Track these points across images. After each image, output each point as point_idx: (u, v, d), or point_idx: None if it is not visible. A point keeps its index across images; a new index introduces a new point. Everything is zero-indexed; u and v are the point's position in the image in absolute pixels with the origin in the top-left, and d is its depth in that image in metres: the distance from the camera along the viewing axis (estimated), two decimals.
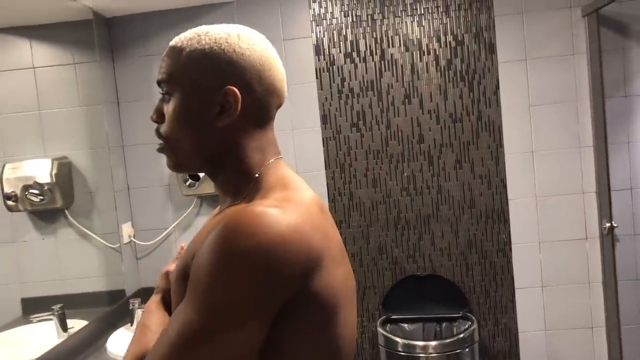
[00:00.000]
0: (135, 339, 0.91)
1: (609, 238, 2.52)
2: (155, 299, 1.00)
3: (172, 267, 1.03)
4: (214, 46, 0.85)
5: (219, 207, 0.99)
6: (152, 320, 0.94)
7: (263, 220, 0.73)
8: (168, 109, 0.87)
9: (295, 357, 0.77)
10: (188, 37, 0.88)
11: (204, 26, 0.89)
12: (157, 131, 0.90)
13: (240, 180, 0.88)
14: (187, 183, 2.61)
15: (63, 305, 2.13)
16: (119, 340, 2.21)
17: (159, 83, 0.89)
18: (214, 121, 0.85)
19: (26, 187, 2.30)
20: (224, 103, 0.84)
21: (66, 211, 2.42)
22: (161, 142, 0.90)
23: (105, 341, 2.20)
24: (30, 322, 2.20)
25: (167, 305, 0.99)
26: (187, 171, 0.94)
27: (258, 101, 0.87)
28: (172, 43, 0.89)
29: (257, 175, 0.87)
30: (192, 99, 0.86)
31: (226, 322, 0.71)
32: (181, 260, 0.84)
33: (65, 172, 2.41)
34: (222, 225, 0.73)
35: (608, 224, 2.50)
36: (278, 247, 0.72)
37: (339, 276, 0.81)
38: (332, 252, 0.81)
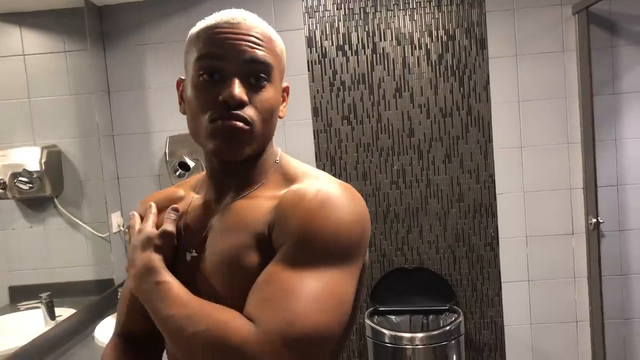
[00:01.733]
0: (169, 296, 0.81)
1: (594, 234, 2.55)
2: (157, 257, 0.88)
3: (169, 227, 0.92)
4: (282, 42, 0.94)
5: (187, 198, 1.00)
6: (171, 277, 0.85)
7: (347, 195, 0.84)
8: (264, 95, 0.86)
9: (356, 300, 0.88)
10: (266, 24, 0.91)
11: (253, 15, 0.91)
12: (240, 114, 0.83)
13: (266, 166, 0.94)
14: (177, 173, 2.60)
15: (51, 294, 2.12)
16: (107, 329, 2.21)
17: (255, 63, 0.84)
18: (279, 113, 0.94)
19: (15, 175, 2.29)
20: (283, 97, 0.95)
21: (55, 200, 2.42)
22: (240, 123, 0.84)
23: (93, 330, 2.20)
24: (18, 310, 2.20)
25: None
26: (249, 155, 0.89)
27: None
28: (263, 28, 0.88)
29: (276, 161, 0.95)
30: (278, 90, 0.91)
31: (338, 263, 0.79)
32: (238, 238, 0.84)
33: (54, 160, 2.40)
34: (314, 201, 0.81)
35: (594, 220, 2.53)
36: (363, 217, 0.85)
37: None
38: None
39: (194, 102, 0.86)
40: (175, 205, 0.98)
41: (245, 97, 0.83)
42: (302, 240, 0.78)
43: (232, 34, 0.84)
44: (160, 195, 1.05)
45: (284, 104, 0.96)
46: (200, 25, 0.89)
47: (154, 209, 0.98)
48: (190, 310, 0.78)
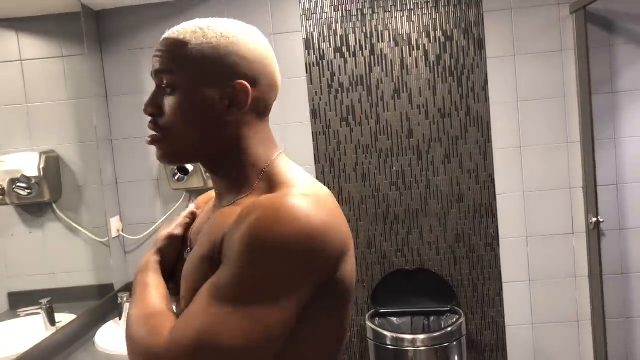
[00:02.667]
0: (139, 297, 0.89)
1: (595, 233, 2.55)
2: (155, 259, 0.98)
3: (176, 230, 1.01)
4: (221, 40, 0.86)
5: (213, 200, 1.01)
6: (153, 280, 0.92)
7: (303, 208, 0.77)
8: (170, 102, 0.86)
9: (315, 335, 0.82)
10: (190, 30, 0.87)
11: (201, 19, 0.90)
12: (154, 123, 0.89)
13: (247, 173, 0.90)
14: (176, 177, 2.60)
15: (51, 299, 2.12)
16: (108, 335, 2.20)
17: (158, 74, 0.88)
18: (223, 115, 0.87)
19: (13, 181, 2.28)
20: (234, 97, 0.86)
21: (54, 205, 2.41)
22: (155, 133, 0.89)
23: (94, 335, 2.20)
24: (18, 316, 2.19)
25: (163, 269, 0.98)
26: (182, 162, 0.95)
27: (262, 95, 0.90)
28: (171, 35, 0.88)
29: (264, 168, 0.90)
30: (200, 92, 0.86)
31: (265, 298, 0.74)
32: (205, 244, 0.85)
33: (53, 165, 2.39)
34: (262, 212, 0.76)
35: (594, 219, 2.53)
36: (318, 234, 0.76)
37: (354, 264, 0.87)
38: (351, 242, 0.86)
39: None
40: (193, 210, 1.06)
41: (149, 109, 0.88)
42: (235, 262, 0.75)
43: (155, 50, 0.90)
44: (208, 195, 1.13)
45: (238, 106, 0.87)
46: None
47: (185, 213, 1.07)
48: (142, 312, 0.84)
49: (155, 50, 0.89)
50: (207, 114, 0.86)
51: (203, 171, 2.58)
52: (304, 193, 0.81)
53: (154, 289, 0.90)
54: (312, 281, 0.77)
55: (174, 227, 1.02)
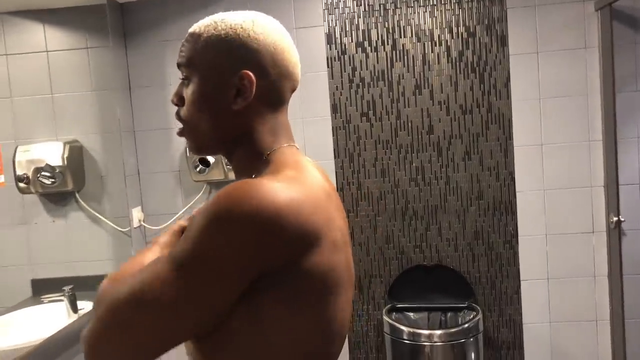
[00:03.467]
0: (142, 250, 0.95)
1: (615, 232, 2.53)
2: (180, 222, 1.02)
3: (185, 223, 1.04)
4: (229, 32, 0.89)
5: None
6: (164, 239, 0.97)
7: (260, 189, 0.75)
8: (187, 92, 0.91)
9: (278, 329, 0.79)
10: (205, 23, 0.91)
11: (220, 13, 0.93)
12: (177, 114, 0.94)
13: (252, 160, 0.92)
14: (198, 169, 2.62)
15: (74, 287, 2.15)
16: None
17: (179, 66, 0.93)
18: (230, 104, 0.89)
19: (38, 170, 2.32)
20: (240, 86, 0.88)
21: (77, 194, 2.45)
22: (182, 125, 0.94)
23: None
24: (41, 302, 2.23)
25: None
26: (206, 153, 0.98)
27: (272, 84, 0.90)
28: (190, 29, 0.93)
29: (265, 156, 0.91)
30: (209, 82, 0.89)
31: (206, 267, 0.74)
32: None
33: (76, 155, 2.43)
34: (222, 190, 0.77)
35: (615, 218, 2.51)
36: (269, 215, 0.74)
37: (338, 261, 0.83)
38: (332, 236, 0.82)
39: None
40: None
41: (174, 99, 0.94)
42: (191, 230, 0.76)
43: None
44: None
45: (243, 95, 0.88)
46: None
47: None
48: (129, 260, 0.91)
49: (186, 37, 0.94)
50: (216, 104, 0.90)
51: (225, 163, 2.60)
52: (280, 178, 0.81)
53: (156, 245, 0.95)
54: (259, 261, 0.75)
55: (186, 219, 1.07)
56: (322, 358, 0.85)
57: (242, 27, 0.89)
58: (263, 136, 0.91)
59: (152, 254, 0.92)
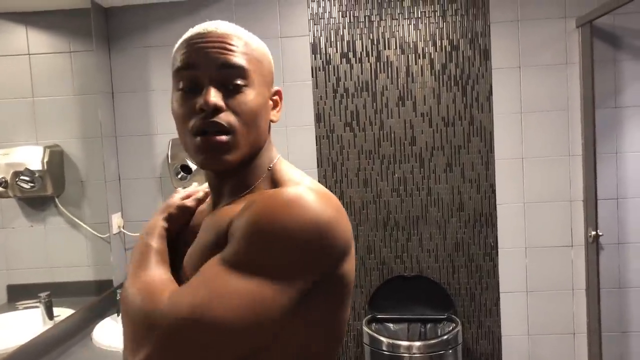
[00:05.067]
0: (141, 258, 0.89)
1: (593, 246, 2.56)
2: (163, 225, 0.97)
3: (189, 203, 1.01)
4: (265, 48, 0.94)
5: (208, 199, 1.02)
6: (158, 245, 0.92)
7: (313, 200, 0.78)
8: (242, 98, 0.85)
9: (316, 329, 0.82)
10: (247, 32, 0.91)
11: (228, 22, 0.91)
12: (217, 122, 0.84)
13: (257, 172, 0.93)
14: (179, 176, 2.61)
15: (50, 293, 2.12)
16: (105, 330, 2.21)
17: (226, 68, 0.85)
18: (270, 117, 0.93)
19: (17, 174, 2.29)
20: (276, 100, 0.95)
21: (56, 199, 2.42)
22: (224, 136, 0.84)
23: (92, 330, 2.20)
24: (17, 309, 2.19)
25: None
26: (235, 166, 0.88)
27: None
28: (236, 33, 0.88)
29: (269, 167, 0.93)
30: (263, 94, 0.90)
31: (269, 278, 0.75)
32: (207, 237, 0.86)
33: (56, 160, 2.40)
34: (272, 199, 0.78)
35: (593, 232, 2.54)
36: (328, 226, 0.78)
37: (354, 264, 0.88)
38: (353, 242, 0.87)
39: (177, 115, 0.88)
40: (208, 190, 1.04)
41: (220, 103, 0.83)
42: (243, 239, 0.76)
43: (204, 43, 0.86)
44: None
45: (277, 108, 0.95)
46: (179, 40, 0.92)
47: (193, 190, 1.07)
48: (142, 273, 0.85)
49: (218, 42, 0.86)
50: (266, 116, 0.91)
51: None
52: (311, 187, 0.83)
53: (157, 253, 0.90)
54: (315, 271, 0.79)
55: (189, 200, 1.02)
56: (334, 356, 0.89)
57: (265, 45, 0.95)
58: (269, 148, 0.95)
59: (162, 243, 0.92)
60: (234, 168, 0.89)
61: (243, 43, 0.88)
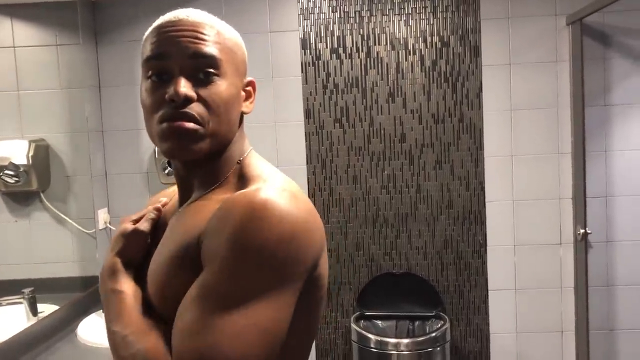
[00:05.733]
0: (117, 310, 0.84)
1: (582, 244, 2.56)
2: (119, 260, 0.90)
3: (142, 226, 0.93)
4: (239, 38, 0.91)
5: (174, 192, 0.99)
6: (126, 287, 0.86)
7: (285, 206, 0.76)
8: (213, 89, 0.83)
9: (294, 329, 0.80)
10: (215, 19, 0.88)
11: (204, 12, 0.89)
12: (187, 112, 0.81)
13: (224, 166, 0.89)
14: (166, 171, 2.59)
15: (34, 289, 2.09)
16: (90, 326, 2.18)
17: (198, 58, 0.82)
18: (242, 108, 0.90)
19: (1, 168, 2.26)
20: (249, 91, 0.92)
21: (42, 194, 2.39)
22: (192, 124, 0.81)
23: (76, 327, 2.18)
24: (0, 305, 2.17)
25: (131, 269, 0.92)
26: (209, 156, 0.86)
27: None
28: (210, 22, 0.86)
29: (238, 161, 0.90)
30: (235, 84, 0.87)
31: (259, 301, 0.73)
32: (174, 244, 0.82)
33: (42, 154, 2.37)
34: (243, 211, 0.75)
35: (582, 230, 2.54)
36: (303, 232, 0.77)
37: (327, 258, 0.87)
38: (324, 235, 0.86)
39: (146, 104, 0.85)
40: (157, 205, 0.99)
41: (191, 93, 0.81)
42: (226, 268, 0.73)
43: (175, 32, 0.83)
44: (166, 192, 1.08)
45: (251, 99, 0.92)
46: (149, 28, 0.89)
47: (146, 208, 1.00)
48: (129, 330, 0.80)
49: (189, 31, 0.83)
50: (237, 107, 0.88)
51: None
52: (279, 187, 0.80)
53: (131, 298, 0.85)
54: (301, 278, 0.78)
55: (141, 222, 0.94)
56: (307, 356, 0.88)
57: (238, 35, 0.92)
58: (239, 141, 0.91)
59: (128, 283, 0.87)
60: (202, 159, 0.86)
61: (215, 32, 0.85)
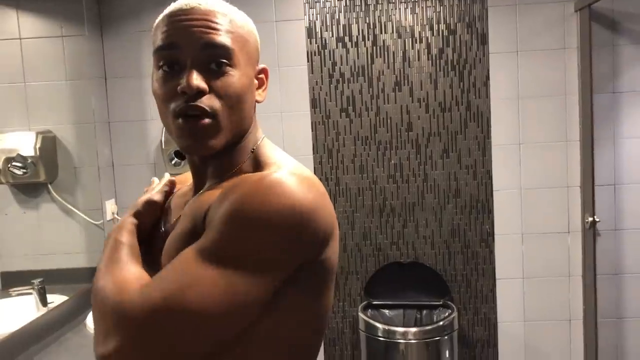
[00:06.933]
0: (111, 252, 0.86)
1: (590, 232, 2.55)
2: (132, 220, 0.93)
3: (155, 197, 0.98)
4: (251, 26, 0.90)
5: (189, 184, 0.99)
6: (127, 239, 0.89)
7: (293, 185, 0.76)
8: (226, 80, 0.82)
9: (294, 316, 0.81)
10: (228, 6, 0.86)
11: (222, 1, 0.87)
12: (200, 105, 0.80)
13: (242, 154, 0.89)
14: (173, 162, 2.59)
15: (43, 280, 2.11)
16: None
17: (211, 48, 0.81)
18: (255, 97, 0.90)
19: (9, 160, 2.27)
20: (262, 79, 0.91)
21: (49, 186, 2.40)
22: (207, 120, 0.81)
23: (85, 317, 2.19)
24: (10, 295, 2.18)
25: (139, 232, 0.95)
26: (219, 150, 0.85)
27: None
28: (222, 9, 0.84)
29: (253, 149, 0.90)
30: (247, 74, 0.86)
31: (244, 267, 0.73)
32: (186, 222, 0.84)
33: (49, 146, 2.38)
34: (250, 185, 0.75)
35: (590, 219, 2.52)
36: (310, 212, 0.75)
37: (337, 247, 0.86)
38: (336, 224, 0.85)
39: (158, 96, 0.84)
40: (172, 179, 1.04)
41: (203, 85, 0.79)
42: (220, 227, 0.74)
43: (186, 21, 0.81)
44: (183, 176, 1.09)
45: (263, 87, 0.92)
46: (160, 15, 0.87)
47: (163, 180, 1.04)
48: (112, 267, 0.82)
49: (200, 20, 0.81)
50: (250, 97, 0.87)
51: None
52: (293, 172, 0.80)
53: (127, 247, 0.87)
54: (295, 260, 0.77)
55: (154, 194, 0.99)
56: (318, 347, 0.88)
57: (252, 24, 0.90)
58: (254, 129, 0.91)
59: (131, 238, 0.89)
60: (218, 151, 0.85)
61: (228, 20, 0.83)
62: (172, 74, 0.82)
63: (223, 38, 0.81)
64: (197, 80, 0.79)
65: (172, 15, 0.83)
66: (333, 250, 0.83)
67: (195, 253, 0.74)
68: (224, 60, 0.81)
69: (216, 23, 0.81)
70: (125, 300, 0.74)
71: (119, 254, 0.85)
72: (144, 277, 0.79)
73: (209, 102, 0.80)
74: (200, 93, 0.80)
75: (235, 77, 0.82)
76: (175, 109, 0.81)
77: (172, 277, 0.73)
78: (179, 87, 0.79)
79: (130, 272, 0.80)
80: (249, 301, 0.74)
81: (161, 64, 0.83)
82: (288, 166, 0.83)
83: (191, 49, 0.80)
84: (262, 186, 0.75)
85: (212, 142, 0.82)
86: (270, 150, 0.90)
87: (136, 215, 0.95)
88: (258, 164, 0.87)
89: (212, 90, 0.81)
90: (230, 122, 0.83)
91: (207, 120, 0.81)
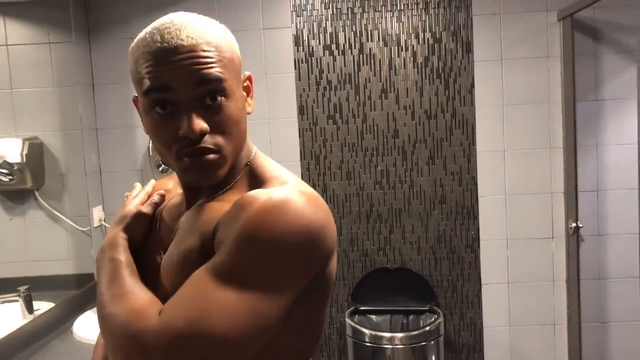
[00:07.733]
0: (110, 274, 0.84)
1: (574, 238, 2.58)
2: (123, 236, 0.91)
3: (146, 209, 0.95)
4: (231, 35, 0.87)
5: (178, 196, 0.97)
6: (124, 258, 0.86)
7: (303, 205, 0.77)
8: (224, 113, 0.81)
9: (298, 324, 0.82)
10: (206, 27, 0.81)
11: (193, 14, 0.85)
12: (205, 146, 0.79)
13: (237, 168, 0.88)
14: (160, 169, 2.59)
15: (30, 287, 2.10)
16: (86, 324, 2.19)
17: (209, 83, 0.79)
18: (247, 111, 0.88)
19: None
20: (247, 87, 0.89)
21: (36, 192, 2.39)
22: (212, 155, 0.80)
23: (72, 324, 2.19)
24: None
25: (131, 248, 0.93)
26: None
27: None
28: (208, 39, 0.80)
29: (247, 162, 0.90)
30: (239, 95, 0.85)
31: (265, 289, 0.74)
32: (190, 238, 0.82)
33: (36, 152, 2.37)
34: (263, 204, 0.75)
35: (574, 224, 2.56)
36: (319, 229, 0.78)
37: (335, 264, 0.88)
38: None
39: (154, 136, 0.82)
40: (162, 192, 1.00)
41: (205, 127, 0.78)
42: (236, 250, 0.74)
43: (174, 62, 0.77)
44: (162, 182, 1.07)
45: (250, 94, 0.90)
46: (139, 45, 0.82)
47: (147, 189, 1.01)
48: (118, 290, 0.80)
49: (188, 54, 0.77)
50: (244, 116, 0.86)
51: None
52: (298, 189, 0.81)
53: (127, 267, 0.85)
54: (309, 275, 0.79)
55: (144, 206, 0.96)
56: (315, 351, 0.90)
57: (228, 31, 0.87)
58: (246, 141, 0.90)
59: (127, 256, 0.87)
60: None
61: (214, 49, 0.80)
62: (167, 116, 0.80)
63: (214, 70, 0.79)
64: (198, 124, 0.77)
65: (156, 55, 0.78)
66: (334, 263, 0.86)
67: (212, 276, 0.74)
68: (219, 93, 0.80)
69: (204, 57, 0.78)
70: (145, 328, 0.73)
71: (120, 275, 0.83)
72: (156, 302, 0.78)
73: (212, 140, 0.80)
74: (204, 134, 0.79)
75: (231, 107, 0.81)
76: (179, 151, 0.80)
77: (193, 303, 0.72)
78: (180, 132, 0.78)
79: (142, 298, 0.79)
80: (272, 322, 0.75)
81: (153, 105, 0.80)
82: (290, 182, 0.84)
83: (184, 90, 0.78)
84: (272, 206, 0.75)
85: (219, 173, 0.83)
86: (266, 164, 0.91)
87: (126, 229, 0.92)
88: (256, 179, 0.87)
89: (212, 127, 0.80)
90: (233, 149, 0.84)
91: (212, 156, 0.80)
